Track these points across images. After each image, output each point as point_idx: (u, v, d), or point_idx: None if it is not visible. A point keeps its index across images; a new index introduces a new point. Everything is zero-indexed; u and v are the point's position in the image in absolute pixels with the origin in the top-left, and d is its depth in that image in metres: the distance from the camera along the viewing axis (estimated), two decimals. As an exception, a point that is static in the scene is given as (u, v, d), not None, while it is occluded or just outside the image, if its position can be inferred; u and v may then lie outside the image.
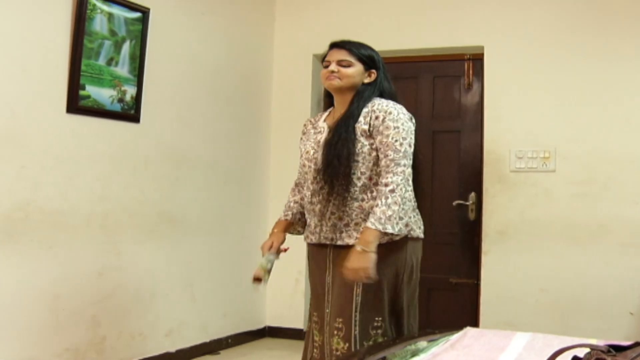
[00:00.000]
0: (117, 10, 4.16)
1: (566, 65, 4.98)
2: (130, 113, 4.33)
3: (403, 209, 2.89)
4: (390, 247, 2.96)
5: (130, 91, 4.31)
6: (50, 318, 3.85)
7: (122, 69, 4.24)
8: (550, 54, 5.02)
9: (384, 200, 2.87)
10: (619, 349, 2.07)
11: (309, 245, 3.26)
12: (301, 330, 5.40)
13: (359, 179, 3.00)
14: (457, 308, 5.35)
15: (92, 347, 4.10)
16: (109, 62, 4.14)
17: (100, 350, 4.16)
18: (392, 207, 2.86)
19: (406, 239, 3.03)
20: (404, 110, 3.07)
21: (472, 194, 5.31)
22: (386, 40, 5.48)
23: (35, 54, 3.75)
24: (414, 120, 3.09)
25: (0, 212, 3.58)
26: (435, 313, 5.42)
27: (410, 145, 2.99)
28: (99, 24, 4.04)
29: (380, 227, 2.83)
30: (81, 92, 3.98)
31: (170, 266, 4.74)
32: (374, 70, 3.18)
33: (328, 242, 3.08)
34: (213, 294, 5.17)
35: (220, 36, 5.25)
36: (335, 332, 2.99)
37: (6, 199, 3.61)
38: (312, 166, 3.11)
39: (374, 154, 3.01)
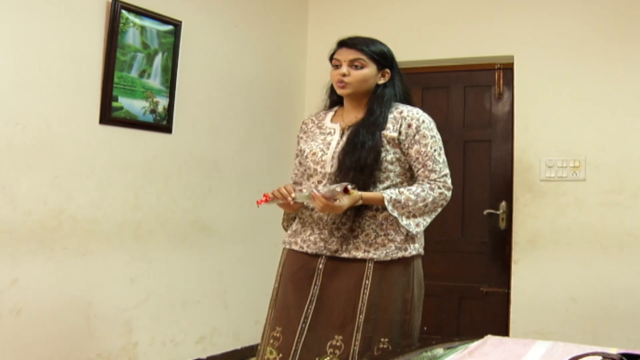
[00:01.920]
0: (149, 24, 4.25)
1: (596, 73, 4.96)
2: (162, 124, 4.41)
3: (424, 219, 2.88)
4: (400, 265, 2.89)
5: (163, 102, 4.39)
6: (83, 324, 3.94)
7: (154, 81, 4.32)
8: (581, 62, 5.00)
9: (414, 193, 2.82)
10: (632, 357, 2.08)
11: (294, 252, 3.04)
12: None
13: (375, 188, 2.85)
14: (488, 317, 5.34)
15: (124, 352, 4.18)
16: (142, 74, 4.23)
17: (133, 356, 4.23)
18: (417, 204, 2.82)
19: (413, 257, 2.94)
20: (430, 117, 2.99)
21: (503, 203, 5.31)
22: (417, 51, 5.52)
23: (69, 67, 3.85)
24: None
25: (34, 220, 3.67)
26: (465, 322, 5.42)
27: (445, 155, 2.94)
28: (131, 37, 4.13)
29: (387, 204, 2.79)
30: (114, 104, 4.07)
31: (203, 274, 4.80)
32: (388, 70, 3.01)
33: (329, 254, 2.91)
34: (245, 301, 5.22)
35: (252, 47, 5.31)
36: (331, 350, 2.81)
37: (41, 208, 3.71)
38: (320, 170, 2.94)
39: (396, 164, 2.89)
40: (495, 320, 5.28)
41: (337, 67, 2.97)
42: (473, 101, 5.54)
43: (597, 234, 4.89)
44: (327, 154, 2.94)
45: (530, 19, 5.18)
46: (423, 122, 2.90)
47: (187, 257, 4.66)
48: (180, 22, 4.47)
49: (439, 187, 2.85)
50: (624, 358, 2.04)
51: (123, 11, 4.05)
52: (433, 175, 2.85)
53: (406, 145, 2.88)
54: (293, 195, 2.87)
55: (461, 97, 5.57)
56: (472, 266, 5.43)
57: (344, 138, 2.93)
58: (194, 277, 4.72)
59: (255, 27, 5.33)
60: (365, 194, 2.79)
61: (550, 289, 4.98)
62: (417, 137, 2.87)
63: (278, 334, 2.94)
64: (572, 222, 4.96)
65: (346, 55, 2.95)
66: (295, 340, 2.86)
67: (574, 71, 5.02)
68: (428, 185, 2.84)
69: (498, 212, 5.32)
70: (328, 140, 2.98)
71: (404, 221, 2.82)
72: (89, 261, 3.97)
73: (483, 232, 5.43)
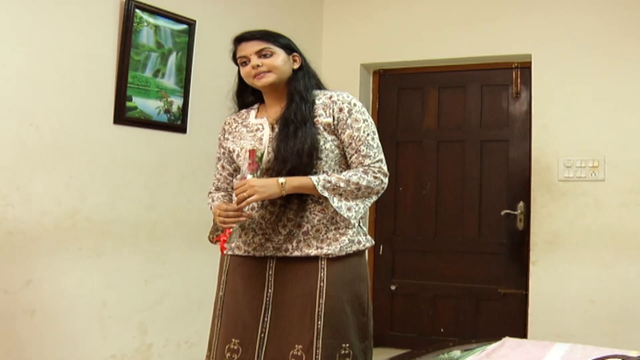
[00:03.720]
0: (164, 23, 4.23)
1: (615, 72, 4.90)
2: (176, 124, 4.39)
3: (357, 204, 2.70)
4: (353, 261, 2.76)
5: (177, 102, 4.37)
6: (97, 325, 3.92)
7: (169, 81, 4.30)
8: (599, 61, 4.95)
9: (346, 175, 2.66)
10: (653, 360, 2.05)
11: (238, 257, 2.85)
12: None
13: None
14: (506, 319, 5.30)
15: (138, 354, 4.16)
16: (156, 73, 4.21)
17: (147, 358, 4.22)
18: (349, 187, 2.66)
19: (366, 249, 2.84)
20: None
21: (521, 204, 5.27)
22: (434, 50, 5.50)
23: (83, 66, 3.84)
24: None
25: (49, 220, 3.66)
26: (483, 324, 5.38)
27: (378, 140, 2.80)
28: (145, 37, 4.12)
29: (316, 184, 2.61)
30: (128, 104, 4.05)
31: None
32: (296, 54, 2.89)
33: (280, 254, 2.74)
34: (260, 302, 5.18)
35: (267, 47, 5.27)
36: None
37: (55, 208, 3.70)
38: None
39: (337, 151, 2.75)
40: (513, 322, 5.24)
41: (245, 64, 2.83)
42: (490, 100, 5.51)
43: (616, 234, 4.83)
44: (260, 150, 2.75)
45: (548, 17, 5.14)
46: (355, 105, 2.76)
47: (201, 257, 4.62)
48: (195, 21, 4.45)
49: (374, 172, 2.70)
50: (645, 361, 2.00)
51: (137, 10, 4.04)
52: (367, 161, 2.71)
53: (339, 131, 2.74)
54: (241, 205, 2.65)
55: (478, 96, 5.54)
56: (489, 267, 5.40)
57: (276, 130, 2.78)
58: (209, 278, 4.67)
59: (269, 27, 5.24)
60: (290, 178, 2.62)
61: (569, 291, 4.94)
62: (349, 121, 2.73)
63: (236, 346, 2.75)
64: (591, 222, 4.91)
65: (250, 48, 2.82)
66: (257, 352, 2.70)
67: (592, 69, 4.97)
68: (362, 169, 2.70)
69: (516, 213, 5.28)
70: (259, 136, 2.82)
71: (335, 203, 2.64)
72: (103, 262, 3.96)
73: (501, 232, 5.39)
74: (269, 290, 2.74)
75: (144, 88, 4.14)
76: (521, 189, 5.29)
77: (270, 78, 2.78)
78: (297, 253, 2.71)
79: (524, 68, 5.33)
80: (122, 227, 4.08)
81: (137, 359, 4.15)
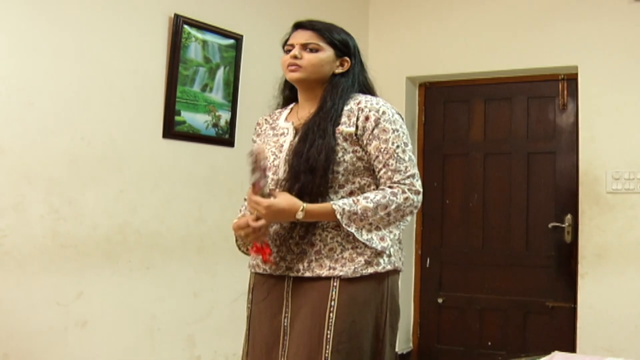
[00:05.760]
0: (211, 38, 4.29)
1: (664, 83, 4.86)
2: (225, 138, 4.44)
3: (391, 231, 2.45)
4: (371, 282, 2.44)
5: (225, 116, 4.42)
6: (147, 337, 3.97)
7: (217, 95, 4.35)
8: (647, 72, 4.91)
9: (373, 201, 2.39)
10: None
11: (257, 275, 2.66)
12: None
13: (336, 193, 2.45)
14: (554, 332, 5.24)
15: (187, 366, 4.20)
16: (204, 88, 4.27)
17: (196, 369, 4.26)
18: (378, 214, 2.39)
19: (388, 272, 2.49)
20: (395, 108, 2.57)
21: (568, 216, 5.22)
22: (479, 62, 5.48)
23: (133, 81, 3.90)
24: None
25: (99, 234, 3.72)
26: (531, 337, 5.33)
27: (413, 153, 2.51)
28: (193, 52, 4.17)
29: (341, 218, 2.36)
30: (177, 118, 4.11)
31: (265, 287, 4.80)
32: (347, 59, 2.63)
33: (293, 275, 2.49)
34: (307, 315, 5.19)
35: (313, 61, 5.29)
36: None
37: (105, 222, 3.76)
38: (272, 176, 2.52)
39: (359, 163, 2.47)
40: (561, 335, 5.18)
41: (289, 51, 2.60)
42: (537, 112, 5.47)
43: (667, 248, 4.77)
44: (279, 157, 2.55)
45: (594, 27, 5.09)
46: (383, 113, 2.47)
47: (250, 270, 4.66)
48: (242, 36, 4.50)
49: (403, 192, 2.42)
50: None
51: (185, 26, 4.09)
52: (397, 177, 2.42)
53: (364, 142, 2.46)
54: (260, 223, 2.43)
55: (524, 108, 5.51)
56: (537, 280, 5.35)
57: (297, 138, 2.53)
58: (256, 291, 4.73)
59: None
60: (310, 209, 2.38)
61: (619, 305, 4.87)
62: (375, 131, 2.44)
63: None
64: (641, 235, 4.85)
65: (300, 37, 2.59)
66: None
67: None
68: (390, 190, 2.42)
69: (563, 225, 5.23)
70: (281, 142, 2.59)
71: (364, 236, 2.39)
72: (152, 275, 4.01)
73: (548, 245, 5.34)
74: (287, 311, 2.52)
75: (192, 102, 4.19)
76: (569, 202, 5.24)
77: (299, 74, 2.56)
78: (308, 274, 2.46)
79: (571, 80, 5.28)
80: (172, 241, 4.13)
81: (186, 371, 4.20)
